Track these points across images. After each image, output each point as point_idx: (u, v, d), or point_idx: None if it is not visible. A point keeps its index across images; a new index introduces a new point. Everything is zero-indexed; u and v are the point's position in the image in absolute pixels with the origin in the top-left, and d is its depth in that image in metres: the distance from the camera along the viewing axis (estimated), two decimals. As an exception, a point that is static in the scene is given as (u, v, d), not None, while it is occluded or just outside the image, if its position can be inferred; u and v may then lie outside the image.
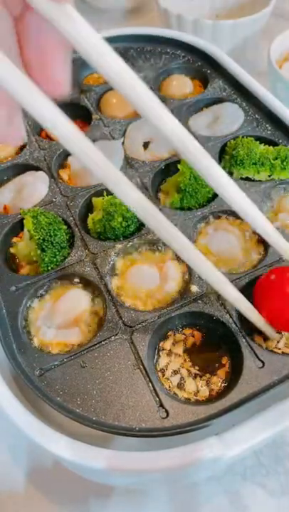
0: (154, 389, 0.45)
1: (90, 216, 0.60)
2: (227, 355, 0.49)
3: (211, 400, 0.46)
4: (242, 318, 0.50)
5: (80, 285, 0.55)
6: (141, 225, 0.60)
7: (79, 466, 0.41)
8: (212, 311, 0.50)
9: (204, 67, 0.83)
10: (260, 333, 0.49)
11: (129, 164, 0.67)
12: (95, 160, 0.33)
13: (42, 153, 0.70)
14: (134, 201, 0.36)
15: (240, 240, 0.58)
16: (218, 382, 0.48)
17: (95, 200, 0.62)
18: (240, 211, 0.40)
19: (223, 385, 0.47)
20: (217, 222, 0.60)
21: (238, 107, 0.74)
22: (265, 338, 0.49)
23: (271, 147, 0.65)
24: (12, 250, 0.60)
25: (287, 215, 0.60)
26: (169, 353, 0.50)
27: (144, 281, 0.54)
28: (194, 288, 0.52)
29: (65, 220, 0.61)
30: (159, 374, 0.48)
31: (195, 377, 0.48)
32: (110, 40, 0.91)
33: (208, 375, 0.48)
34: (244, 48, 0.99)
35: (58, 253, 0.56)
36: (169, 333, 0.51)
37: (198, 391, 0.47)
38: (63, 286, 0.55)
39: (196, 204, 0.62)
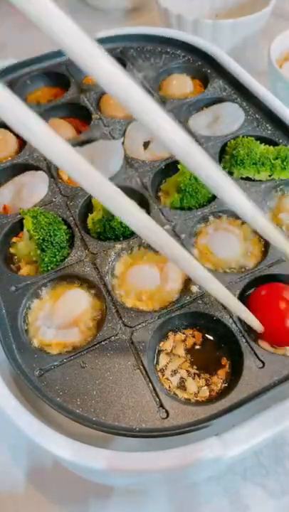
0: (154, 389, 0.45)
1: (90, 216, 0.60)
2: (227, 355, 0.49)
3: (211, 400, 0.46)
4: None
5: (80, 285, 0.55)
6: (141, 225, 0.60)
7: (79, 466, 0.41)
8: (212, 311, 0.50)
9: (204, 66, 0.83)
10: (266, 338, 0.49)
11: (129, 164, 0.67)
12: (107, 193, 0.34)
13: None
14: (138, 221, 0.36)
15: (240, 239, 0.58)
16: (218, 382, 0.47)
17: (94, 200, 0.61)
18: (241, 213, 0.40)
19: (223, 385, 0.47)
20: (217, 222, 0.60)
21: (238, 106, 0.74)
22: (273, 345, 0.49)
23: (271, 147, 0.65)
24: (12, 250, 0.60)
25: (287, 215, 0.60)
26: (169, 354, 0.50)
27: (144, 281, 0.54)
28: (195, 288, 0.52)
29: (64, 220, 0.61)
30: (159, 374, 0.48)
31: (195, 377, 0.48)
32: (110, 40, 0.92)
33: (208, 376, 0.48)
34: (244, 47, 0.99)
35: (57, 253, 0.56)
36: (169, 334, 0.51)
37: (198, 391, 0.47)
38: (63, 286, 0.55)
39: (196, 204, 0.62)
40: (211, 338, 0.51)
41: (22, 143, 0.74)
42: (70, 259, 0.56)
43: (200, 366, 0.49)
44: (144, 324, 0.50)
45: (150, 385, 0.46)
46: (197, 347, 0.50)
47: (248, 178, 0.64)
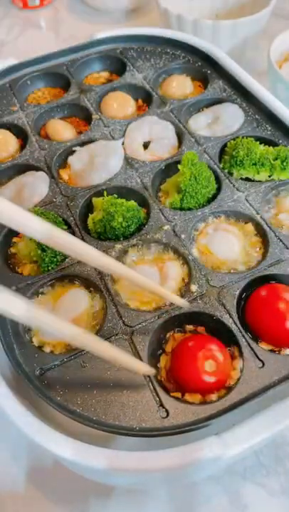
0: (154, 389, 0.45)
1: (90, 216, 0.60)
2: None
3: (210, 399, 0.46)
4: (242, 318, 0.50)
5: (80, 285, 0.55)
6: (141, 226, 0.60)
7: (79, 465, 0.41)
8: (212, 310, 0.50)
9: (204, 67, 0.83)
10: (266, 339, 0.49)
11: (129, 164, 0.67)
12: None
13: (42, 153, 0.70)
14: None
15: (240, 239, 0.58)
16: (218, 382, 0.47)
17: (95, 200, 0.62)
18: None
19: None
20: (217, 222, 0.60)
21: (238, 107, 0.74)
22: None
23: (271, 147, 0.65)
24: (12, 250, 0.60)
25: (287, 215, 0.60)
26: (169, 353, 0.50)
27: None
28: (194, 287, 0.52)
29: (65, 220, 0.61)
30: (159, 373, 0.48)
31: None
32: (110, 40, 0.93)
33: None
34: (244, 48, 0.99)
35: (58, 253, 0.56)
36: (169, 333, 0.51)
37: (198, 391, 0.47)
38: (63, 286, 0.55)
39: (196, 204, 0.62)
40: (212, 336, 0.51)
41: (23, 143, 0.74)
42: (70, 259, 0.56)
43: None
44: (144, 324, 0.50)
45: (150, 384, 0.46)
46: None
47: (247, 179, 0.64)
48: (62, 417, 0.44)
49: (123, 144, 0.71)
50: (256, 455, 0.54)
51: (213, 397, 0.45)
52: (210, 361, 0.45)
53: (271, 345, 0.49)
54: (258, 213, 0.60)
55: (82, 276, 0.55)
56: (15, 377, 0.49)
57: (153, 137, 0.72)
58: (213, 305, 0.51)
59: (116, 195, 0.60)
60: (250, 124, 0.72)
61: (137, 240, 0.58)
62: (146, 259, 0.57)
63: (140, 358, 0.47)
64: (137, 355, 0.48)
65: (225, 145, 0.69)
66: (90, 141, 0.71)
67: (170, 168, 0.67)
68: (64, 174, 0.68)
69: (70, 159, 0.69)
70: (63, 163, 0.70)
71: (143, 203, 0.63)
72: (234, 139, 0.67)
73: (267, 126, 0.71)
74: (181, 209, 0.62)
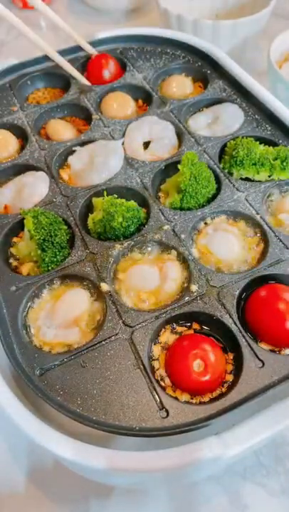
0: (154, 388, 0.45)
1: (90, 216, 0.60)
2: (227, 354, 0.49)
3: (210, 399, 0.46)
4: (242, 318, 0.50)
5: (80, 285, 0.55)
6: (141, 226, 0.60)
7: (79, 465, 0.41)
8: (212, 310, 0.50)
9: (204, 67, 0.83)
10: (266, 339, 0.49)
11: (129, 164, 0.67)
12: None
13: (42, 153, 0.70)
14: None
15: (240, 239, 0.58)
16: (218, 382, 0.48)
17: (95, 200, 0.62)
18: None
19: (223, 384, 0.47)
20: (217, 223, 0.60)
21: (238, 107, 0.74)
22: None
23: (271, 147, 0.65)
24: (12, 250, 0.60)
25: (287, 215, 0.60)
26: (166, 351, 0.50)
27: (144, 281, 0.54)
28: (194, 287, 0.52)
29: (65, 220, 0.61)
30: (159, 373, 0.48)
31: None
32: (110, 40, 0.93)
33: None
34: (244, 48, 0.99)
35: (58, 253, 0.56)
36: (169, 333, 0.51)
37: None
38: (63, 286, 0.55)
39: (196, 204, 0.62)
40: (210, 337, 0.51)
41: (23, 143, 0.74)
42: (70, 259, 0.56)
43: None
44: (144, 324, 0.50)
45: (150, 384, 0.46)
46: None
47: (247, 179, 0.64)
48: (63, 417, 0.44)
49: (123, 144, 0.71)
50: (256, 455, 0.54)
51: (209, 397, 0.45)
52: (198, 361, 0.45)
53: (271, 345, 0.49)
54: (257, 213, 0.60)
55: (82, 276, 0.55)
56: (15, 377, 0.49)
57: (153, 137, 0.72)
58: (213, 305, 0.51)
59: (116, 195, 0.60)
60: (250, 124, 0.72)
61: (137, 240, 0.58)
62: (147, 259, 0.57)
63: (140, 358, 0.47)
64: (136, 354, 0.48)
65: (225, 145, 0.69)
66: (90, 141, 0.71)
67: (170, 168, 0.67)
68: (64, 174, 0.68)
69: (70, 159, 0.69)
70: (63, 163, 0.70)
71: (143, 203, 0.63)
72: (234, 139, 0.67)
73: (267, 126, 0.71)
74: (181, 209, 0.62)
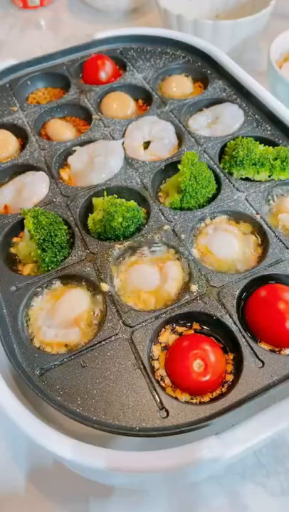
0: (155, 388, 0.45)
1: (90, 216, 0.60)
2: (227, 355, 0.49)
3: (210, 399, 0.46)
4: (242, 318, 0.50)
5: (80, 285, 0.55)
6: (141, 226, 0.60)
7: (79, 465, 0.41)
8: (212, 310, 0.50)
9: (204, 67, 0.83)
10: (266, 339, 0.49)
11: (129, 164, 0.68)
12: None
13: (42, 153, 0.70)
14: None
15: (240, 240, 0.58)
16: (218, 382, 0.48)
17: (95, 200, 0.62)
18: None
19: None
20: (217, 223, 0.60)
21: (238, 107, 0.74)
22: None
23: (271, 147, 0.65)
24: (12, 250, 0.60)
25: (287, 215, 0.60)
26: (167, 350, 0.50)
27: (144, 281, 0.54)
28: (194, 287, 0.52)
29: (65, 220, 0.61)
30: (159, 373, 0.48)
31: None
32: (110, 40, 0.93)
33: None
34: (244, 48, 0.99)
35: (58, 253, 0.56)
36: (169, 333, 0.51)
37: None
38: (63, 286, 0.55)
39: (196, 204, 0.62)
40: (210, 337, 0.51)
41: (23, 143, 0.74)
42: (70, 259, 0.56)
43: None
44: (144, 324, 0.50)
45: (150, 384, 0.46)
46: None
47: (247, 179, 0.65)
48: (63, 416, 0.44)
49: (123, 144, 0.71)
50: (256, 455, 0.54)
51: (209, 397, 0.45)
52: (198, 361, 0.45)
53: (271, 345, 0.49)
54: (257, 213, 0.60)
55: (82, 276, 0.55)
56: (15, 377, 0.49)
57: (153, 137, 0.72)
58: (213, 305, 0.51)
59: (116, 195, 0.60)
60: (250, 124, 0.72)
61: (137, 240, 0.58)
62: (146, 259, 0.57)
63: (140, 358, 0.47)
64: (136, 354, 0.48)
65: (225, 145, 0.69)
66: (90, 141, 0.71)
67: (170, 168, 0.67)
68: (64, 174, 0.68)
69: (70, 159, 0.69)
70: (63, 163, 0.70)
71: (143, 203, 0.63)
72: (234, 139, 0.67)
73: (267, 126, 0.71)
74: (181, 209, 0.62)
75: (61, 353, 0.49)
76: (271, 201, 0.63)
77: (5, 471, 0.54)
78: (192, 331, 0.51)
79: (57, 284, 0.55)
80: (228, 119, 0.73)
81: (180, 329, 0.51)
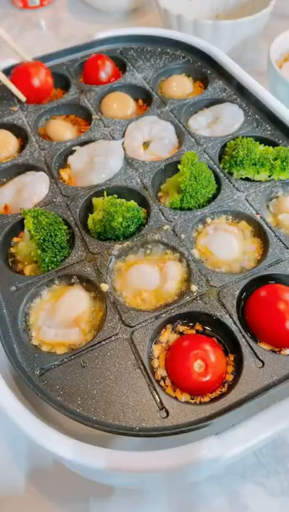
0: (154, 388, 0.45)
1: (91, 216, 0.60)
2: (227, 355, 0.49)
3: (210, 399, 0.46)
4: (242, 318, 0.50)
5: (80, 285, 0.55)
6: (141, 226, 0.60)
7: (79, 465, 0.41)
8: (212, 310, 0.50)
9: (204, 67, 0.83)
10: (266, 339, 0.49)
11: (129, 164, 0.67)
12: None
13: (42, 153, 0.70)
14: None
15: (240, 240, 0.58)
16: (218, 382, 0.48)
17: (95, 200, 0.62)
18: None
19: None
20: (217, 223, 0.60)
21: (238, 107, 0.74)
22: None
23: (271, 147, 0.65)
24: (12, 250, 0.60)
25: (287, 215, 0.60)
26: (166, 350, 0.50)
27: (144, 280, 0.54)
28: (194, 287, 0.52)
29: (65, 220, 0.61)
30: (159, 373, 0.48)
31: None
32: (110, 40, 0.93)
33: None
34: (244, 48, 0.99)
35: (58, 253, 0.56)
36: (169, 333, 0.51)
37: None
38: (64, 286, 0.55)
39: (196, 204, 0.62)
40: (210, 337, 0.51)
41: (23, 143, 0.74)
42: (70, 259, 0.56)
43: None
44: (144, 324, 0.50)
45: (150, 384, 0.46)
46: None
47: (247, 179, 0.64)
48: (63, 416, 0.44)
49: (123, 144, 0.71)
50: (256, 455, 0.54)
51: (209, 397, 0.45)
52: (199, 361, 0.45)
53: (271, 345, 0.49)
54: (257, 213, 0.60)
55: (82, 276, 0.55)
56: (15, 377, 0.49)
57: (153, 137, 0.72)
58: (213, 305, 0.51)
59: (116, 195, 0.60)
60: (250, 124, 0.72)
61: (137, 239, 0.58)
62: (147, 259, 0.57)
63: (140, 358, 0.47)
64: (136, 354, 0.48)
65: (225, 145, 0.69)
66: (90, 141, 0.71)
67: (170, 168, 0.67)
68: (64, 174, 0.68)
69: (70, 159, 0.69)
70: (63, 163, 0.70)
71: (143, 203, 0.63)
72: (234, 139, 0.67)
73: (267, 126, 0.71)
74: (181, 209, 0.62)
75: (61, 353, 0.49)
76: (271, 201, 0.63)
77: (5, 471, 0.54)
78: (194, 331, 0.51)
79: (57, 284, 0.55)
80: (228, 119, 0.73)
81: (181, 328, 0.51)
